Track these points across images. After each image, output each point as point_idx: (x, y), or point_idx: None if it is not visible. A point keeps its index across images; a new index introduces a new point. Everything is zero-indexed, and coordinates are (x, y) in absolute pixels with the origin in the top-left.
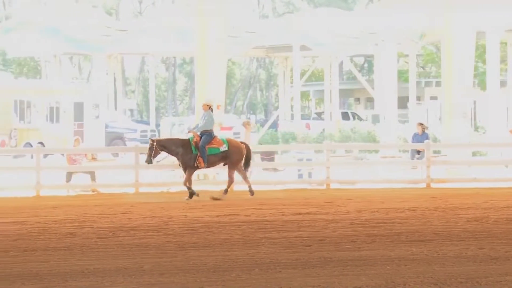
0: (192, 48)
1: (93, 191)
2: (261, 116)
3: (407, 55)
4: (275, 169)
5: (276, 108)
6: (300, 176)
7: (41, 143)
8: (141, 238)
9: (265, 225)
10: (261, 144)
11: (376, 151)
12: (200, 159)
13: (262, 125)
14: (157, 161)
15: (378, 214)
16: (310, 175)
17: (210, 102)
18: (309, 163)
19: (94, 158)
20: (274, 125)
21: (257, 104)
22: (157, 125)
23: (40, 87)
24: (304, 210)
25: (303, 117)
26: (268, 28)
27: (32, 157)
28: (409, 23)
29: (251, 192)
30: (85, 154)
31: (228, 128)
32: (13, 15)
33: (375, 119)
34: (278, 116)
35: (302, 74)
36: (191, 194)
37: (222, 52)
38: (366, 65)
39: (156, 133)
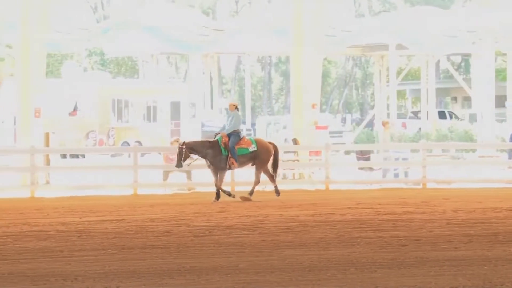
0: (287, 47)
1: (190, 190)
2: (356, 115)
3: (505, 54)
4: (371, 168)
5: (372, 107)
6: (396, 175)
7: (138, 142)
8: (237, 236)
9: (360, 224)
10: (356, 143)
11: (473, 151)
12: (232, 160)
13: (358, 124)
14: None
15: (475, 214)
16: (406, 174)
17: (236, 102)
18: (405, 163)
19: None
20: (370, 124)
21: (352, 103)
22: (253, 124)
23: (138, 87)
24: (400, 209)
25: (399, 116)
26: (364, 26)
27: (129, 156)
28: (507, 21)
29: (277, 192)
30: None
31: (324, 127)
32: (111, 15)
33: (472, 118)
34: (374, 115)
35: (398, 73)
36: (229, 194)
37: (317, 51)
38: (463, 63)
39: (252, 132)
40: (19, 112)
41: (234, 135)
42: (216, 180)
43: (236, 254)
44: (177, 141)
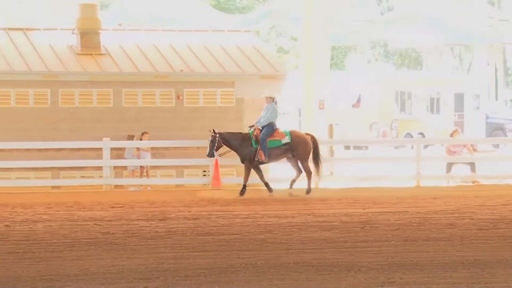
0: None
1: (474, 182)
2: None
3: None
4: None
5: None
6: None
7: (422, 133)
8: None
9: None
10: None
11: None
12: (261, 152)
13: None
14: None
15: None
16: None
17: (273, 95)
18: None
19: (474, 149)
20: None
21: None
22: None
23: (421, 78)
24: None
25: None
26: None
27: (412, 147)
28: None
29: (308, 190)
30: (465, 145)
31: None
32: (395, 7)
33: None
34: None
35: None
36: (268, 187)
37: None
38: None
39: None
40: (304, 104)
41: (268, 127)
42: (260, 174)
43: None
44: (457, 132)
